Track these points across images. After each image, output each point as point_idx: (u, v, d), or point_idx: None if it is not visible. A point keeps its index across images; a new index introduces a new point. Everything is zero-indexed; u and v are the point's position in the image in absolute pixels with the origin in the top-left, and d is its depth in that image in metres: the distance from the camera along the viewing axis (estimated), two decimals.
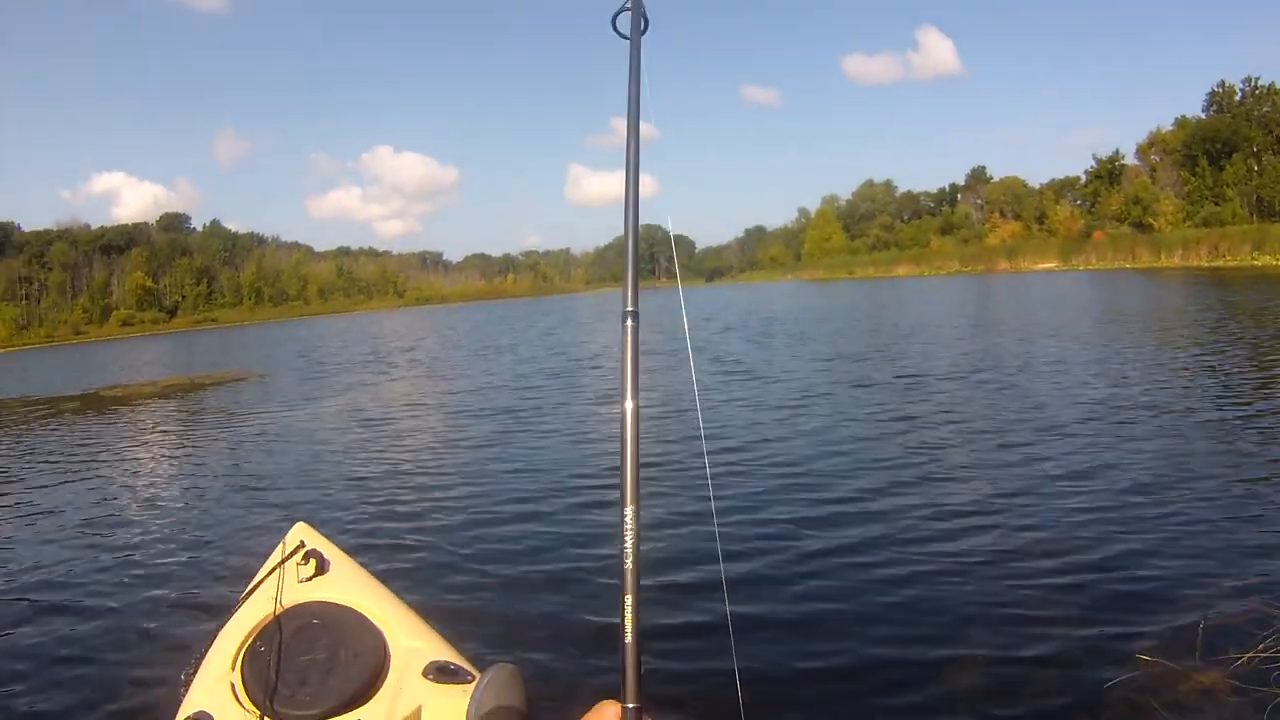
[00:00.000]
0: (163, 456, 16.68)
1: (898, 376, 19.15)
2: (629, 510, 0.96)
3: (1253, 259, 78.85)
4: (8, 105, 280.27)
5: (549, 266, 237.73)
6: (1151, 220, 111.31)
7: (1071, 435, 12.01)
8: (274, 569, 4.74)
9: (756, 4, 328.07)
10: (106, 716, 5.98)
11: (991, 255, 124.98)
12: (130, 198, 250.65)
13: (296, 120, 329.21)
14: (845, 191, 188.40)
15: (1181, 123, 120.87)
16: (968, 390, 16.49)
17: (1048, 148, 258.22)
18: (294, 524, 5.34)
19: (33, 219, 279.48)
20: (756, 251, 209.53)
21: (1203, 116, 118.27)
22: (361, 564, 5.05)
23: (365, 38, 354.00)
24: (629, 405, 0.99)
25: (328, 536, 5.20)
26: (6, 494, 14.15)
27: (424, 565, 8.60)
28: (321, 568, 4.74)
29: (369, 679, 3.85)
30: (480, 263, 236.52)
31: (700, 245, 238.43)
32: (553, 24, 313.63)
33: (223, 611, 4.83)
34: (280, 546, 4.99)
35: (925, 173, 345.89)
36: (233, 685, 3.88)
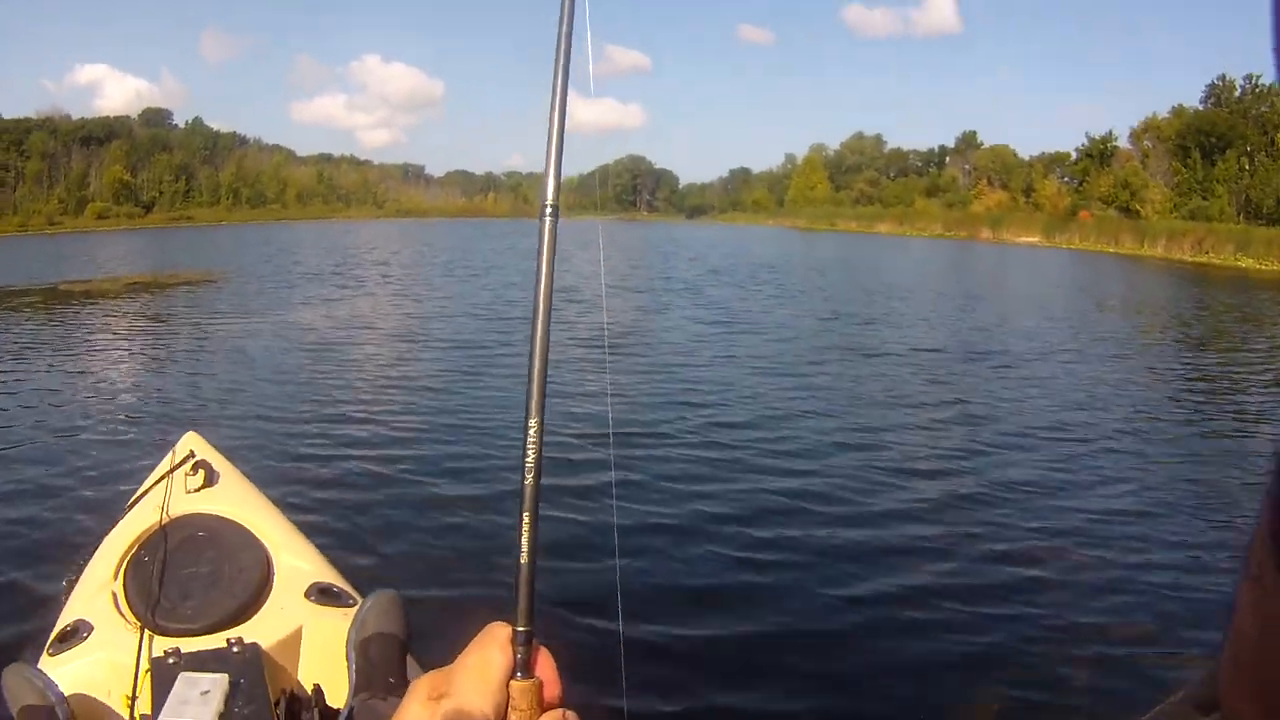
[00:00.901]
0: (90, 357, 16.48)
1: (884, 346, 18.88)
2: (533, 423, 0.93)
3: (1236, 260, 78.68)
4: None
5: (530, 189, 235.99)
6: (1139, 206, 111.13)
7: (1086, 431, 11.69)
8: (162, 478, 4.71)
9: None
10: None
11: (975, 222, 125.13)
12: (113, 90, 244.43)
13: (286, 20, 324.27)
14: (834, 141, 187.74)
15: (1178, 111, 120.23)
16: (978, 371, 16.06)
17: (1040, 117, 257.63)
18: (185, 432, 5.22)
19: (13, 107, 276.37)
20: (740, 193, 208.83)
21: (1200, 108, 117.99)
22: (252, 479, 4.93)
23: None
24: (540, 308, 0.97)
25: (219, 448, 5.08)
26: None
27: (319, 486, 8.64)
28: (210, 479, 4.66)
29: (251, 596, 3.82)
30: (462, 179, 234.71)
31: (684, 181, 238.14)
32: None
33: (110, 518, 4.65)
34: (170, 455, 4.91)
35: (915, 130, 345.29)
36: (114, 595, 3.84)
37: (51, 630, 3.79)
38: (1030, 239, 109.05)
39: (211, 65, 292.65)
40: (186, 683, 3.12)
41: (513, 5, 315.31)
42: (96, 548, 4.30)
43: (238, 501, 4.51)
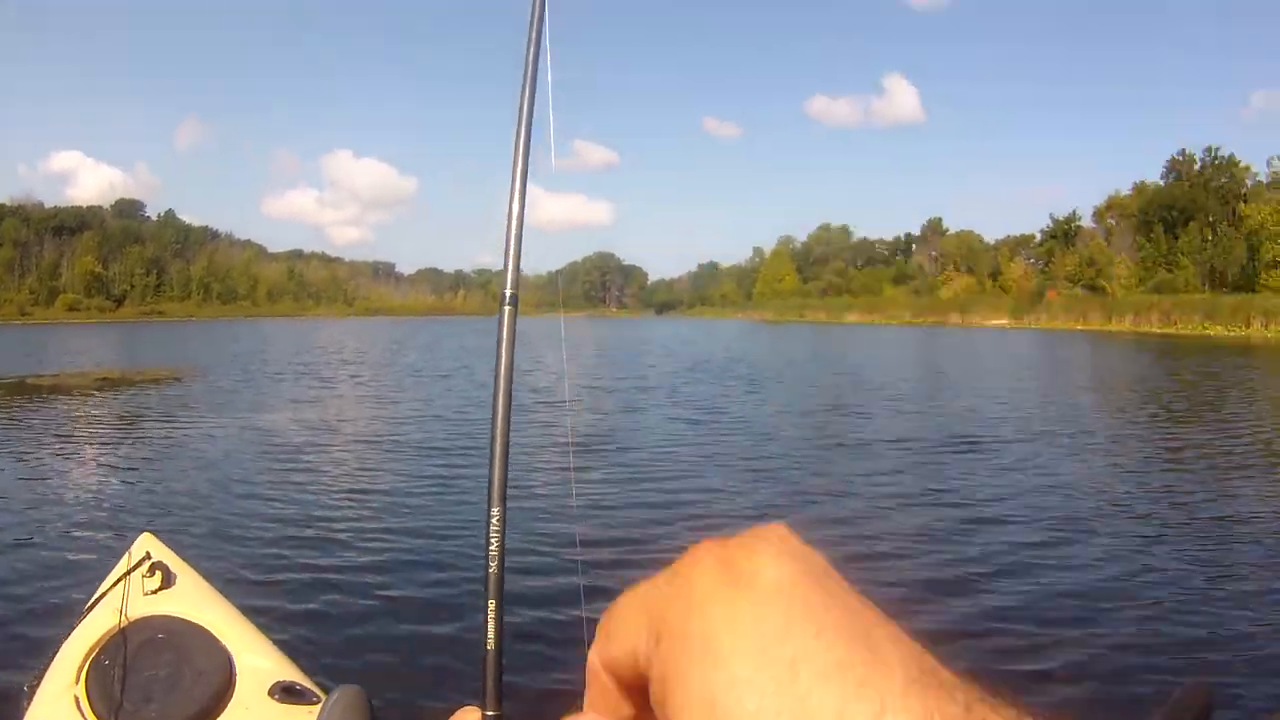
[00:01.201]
0: (49, 457, 15.85)
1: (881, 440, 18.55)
2: (495, 511, 0.91)
3: (1204, 328, 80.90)
4: None
5: (500, 285, 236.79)
6: (1105, 283, 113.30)
7: (1106, 524, 11.07)
8: (119, 580, 4.60)
9: (722, 36, 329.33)
10: None
11: (943, 308, 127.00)
12: (86, 179, 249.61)
13: (260, 114, 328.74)
14: (801, 232, 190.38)
15: (1140, 188, 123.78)
16: (975, 464, 15.01)
17: (1005, 200, 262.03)
18: (140, 534, 5.13)
19: None
20: (708, 287, 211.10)
21: (1161, 183, 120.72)
22: (210, 579, 4.81)
23: (338, 37, 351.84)
24: (500, 396, 0.94)
25: (175, 549, 4.96)
26: None
27: (279, 584, 8.27)
28: (167, 580, 4.55)
29: (214, 698, 3.75)
30: (432, 277, 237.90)
31: (653, 277, 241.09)
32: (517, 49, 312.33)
33: (69, 622, 4.47)
34: (126, 557, 4.80)
35: (882, 219, 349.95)
36: (76, 699, 3.73)
37: None
38: (999, 321, 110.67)
39: (185, 157, 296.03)
40: None
41: (489, 103, 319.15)
42: (56, 652, 4.15)
43: (196, 602, 4.45)
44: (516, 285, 1.03)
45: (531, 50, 1.15)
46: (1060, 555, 9.40)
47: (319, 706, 3.44)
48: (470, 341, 63.65)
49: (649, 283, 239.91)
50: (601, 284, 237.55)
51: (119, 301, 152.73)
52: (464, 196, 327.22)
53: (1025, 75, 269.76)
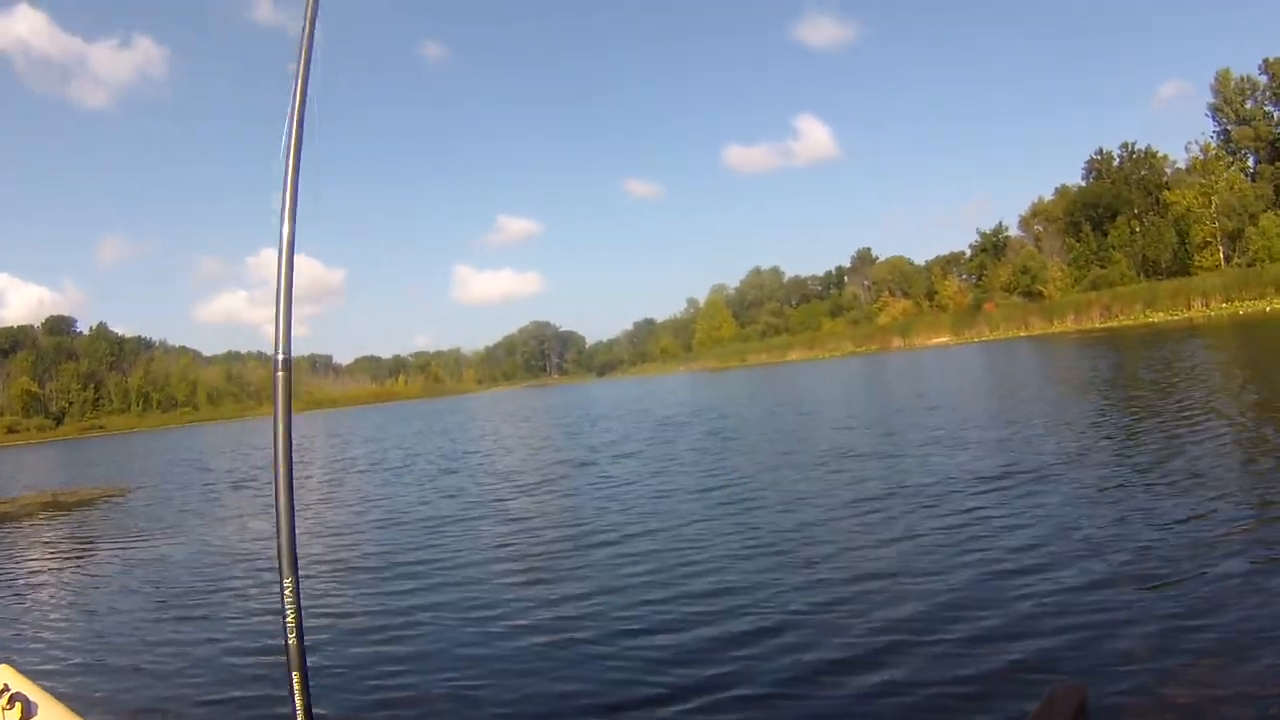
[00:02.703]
0: None
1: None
2: (287, 582, 0.86)
3: (1146, 316, 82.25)
4: None
5: (440, 367, 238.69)
6: (1041, 288, 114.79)
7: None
8: None
9: (634, 99, 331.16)
10: None
11: (884, 334, 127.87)
12: (14, 299, 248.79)
13: (183, 221, 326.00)
14: (733, 279, 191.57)
15: (1062, 191, 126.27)
16: (1003, 499, 13.12)
17: (931, 225, 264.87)
18: None
19: None
20: (647, 344, 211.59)
21: (1083, 184, 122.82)
22: (71, 705, 4.25)
23: (250, 142, 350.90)
24: (280, 464, 0.88)
25: (33, 678, 4.34)
26: None
27: (144, 706, 7.57)
28: (28, 711, 4.09)
29: None
30: (370, 365, 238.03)
31: (591, 340, 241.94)
32: (432, 129, 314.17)
33: None
34: None
35: (811, 257, 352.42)
36: None
37: None
38: (941, 339, 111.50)
39: (112, 269, 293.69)
40: None
41: (404, 188, 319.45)
42: None
43: None
44: (289, 350, 0.94)
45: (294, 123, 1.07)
46: None
47: None
48: (417, 425, 62.05)
49: (588, 346, 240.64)
50: (540, 352, 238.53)
51: (58, 419, 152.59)
52: (393, 282, 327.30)
53: (933, 97, 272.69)
